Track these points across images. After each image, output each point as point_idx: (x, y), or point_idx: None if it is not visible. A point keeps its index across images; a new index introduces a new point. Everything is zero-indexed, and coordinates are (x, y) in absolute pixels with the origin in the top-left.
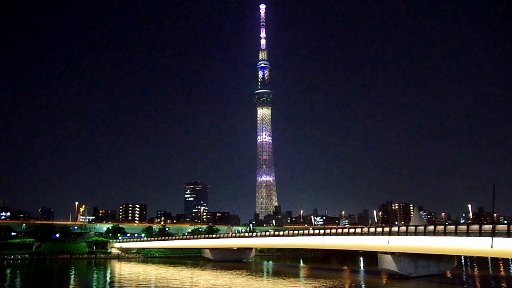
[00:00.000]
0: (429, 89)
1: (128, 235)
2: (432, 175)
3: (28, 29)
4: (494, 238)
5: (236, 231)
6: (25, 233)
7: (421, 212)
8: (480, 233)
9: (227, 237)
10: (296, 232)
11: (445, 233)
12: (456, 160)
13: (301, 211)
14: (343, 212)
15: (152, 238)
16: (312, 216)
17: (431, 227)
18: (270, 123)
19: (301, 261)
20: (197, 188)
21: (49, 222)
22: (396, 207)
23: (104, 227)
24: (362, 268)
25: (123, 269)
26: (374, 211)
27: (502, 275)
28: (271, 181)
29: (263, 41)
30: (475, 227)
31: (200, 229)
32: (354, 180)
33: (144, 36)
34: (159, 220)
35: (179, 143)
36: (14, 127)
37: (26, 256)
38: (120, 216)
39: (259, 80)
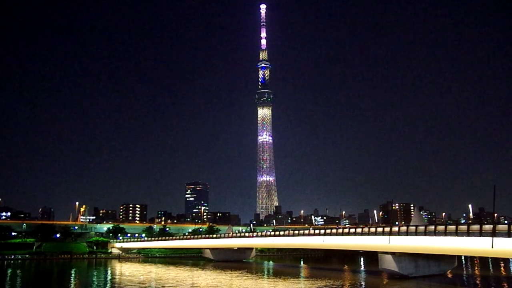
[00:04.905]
0: (430, 89)
1: (129, 235)
2: (432, 175)
3: (28, 28)
4: (494, 238)
5: (237, 231)
6: (26, 233)
7: (421, 212)
8: (481, 233)
9: (228, 237)
10: (296, 232)
11: (445, 233)
12: (456, 160)
13: (302, 211)
14: (344, 212)
15: (153, 238)
16: (312, 216)
17: (431, 227)
18: (270, 123)
19: (302, 261)
20: (198, 188)
21: (50, 222)
22: (397, 207)
23: (104, 227)
24: (362, 268)
25: (124, 269)
26: (375, 211)
27: (502, 275)
28: (272, 181)
29: (263, 41)
30: (476, 227)
31: (200, 229)
32: (354, 180)
33: (144, 36)
34: (159, 220)
35: (179, 143)
36: (14, 127)
37: (27, 256)
38: (121, 216)
39: (260, 80)
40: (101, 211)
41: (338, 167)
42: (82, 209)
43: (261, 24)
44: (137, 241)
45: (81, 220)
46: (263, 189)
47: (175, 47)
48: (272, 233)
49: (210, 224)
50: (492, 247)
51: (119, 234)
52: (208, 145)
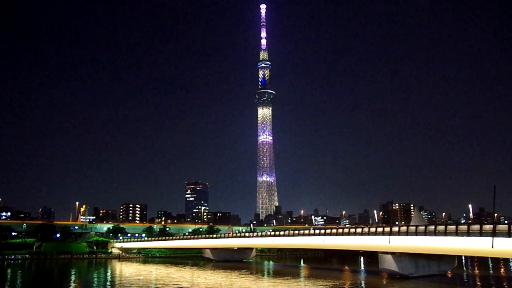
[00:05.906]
0: (430, 89)
1: (129, 235)
2: (432, 175)
3: (29, 28)
4: (494, 238)
5: (237, 231)
6: (26, 233)
7: (421, 212)
8: (481, 233)
9: (228, 237)
10: (296, 232)
11: (445, 233)
12: (456, 160)
13: (302, 211)
14: (344, 212)
15: (153, 238)
16: (312, 216)
17: (431, 227)
18: (270, 123)
19: (302, 261)
20: (198, 188)
21: (50, 222)
22: (397, 207)
23: (104, 227)
24: (362, 268)
25: (124, 269)
26: (375, 211)
27: (502, 275)
28: (272, 181)
29: (263, 41)
30: (476, 227)
31: (200, 229)
32: (354, 180)
33: (145, 36)
34: (159, 220)
35: (179, 143)
36: (14, 127)
37: (27, 256)
38: (121, 216)
39: (260, 80)
40: (101, 211)
41: (338, 167)
42: (82, 209)
43: (261, 24)
44: (137, 241)
45: (81, 220)
46: (263, 189)
47: (175, 47)
48: (272, 233)
49: (210, 224)
50: (492, 247)
51: (119, 234)
52: (208, 145)
